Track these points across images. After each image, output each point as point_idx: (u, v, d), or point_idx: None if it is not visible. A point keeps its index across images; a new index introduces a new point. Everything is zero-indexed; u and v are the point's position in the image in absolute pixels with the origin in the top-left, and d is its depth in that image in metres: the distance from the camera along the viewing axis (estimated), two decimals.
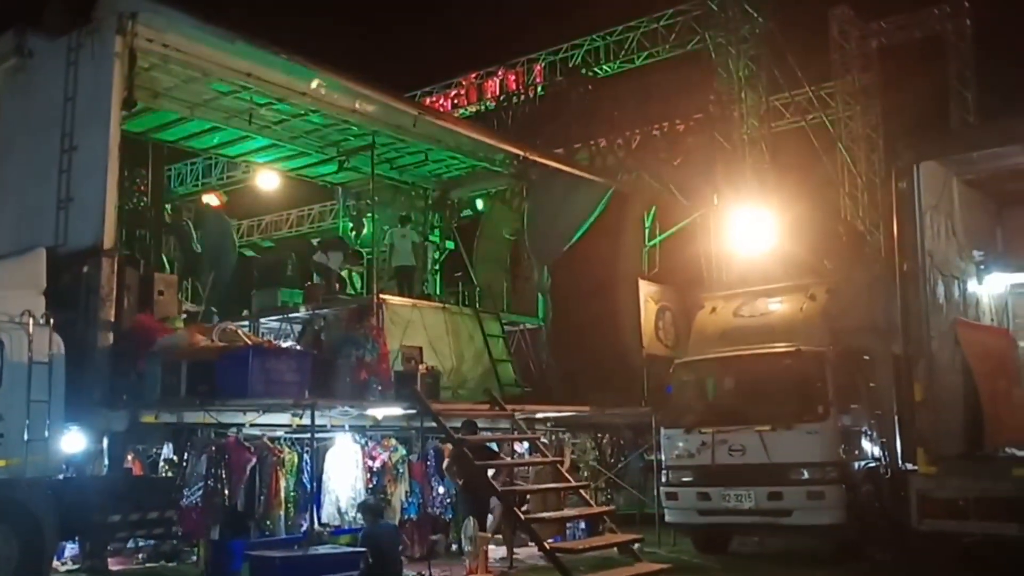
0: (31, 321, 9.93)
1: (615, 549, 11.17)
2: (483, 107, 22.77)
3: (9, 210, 12.54)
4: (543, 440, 13.53)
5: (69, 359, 10.27)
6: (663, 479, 12.62)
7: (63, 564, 11.75)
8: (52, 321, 10.21)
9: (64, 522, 10.11)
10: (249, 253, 20.25)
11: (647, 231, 17.32)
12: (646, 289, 15.72)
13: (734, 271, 17.12)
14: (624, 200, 16.88)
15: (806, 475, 11.35)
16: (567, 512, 12.33)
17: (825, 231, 18.34)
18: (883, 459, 12.24)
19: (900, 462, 11.95)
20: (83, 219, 11.24)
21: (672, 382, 13.09)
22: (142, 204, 16.07)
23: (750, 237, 16.79)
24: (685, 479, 12.23)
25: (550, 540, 10.81)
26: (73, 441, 10.60)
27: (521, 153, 16.21)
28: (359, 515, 11.75)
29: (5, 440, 9.68)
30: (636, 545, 11.18)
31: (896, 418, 12.08)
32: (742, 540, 13.13)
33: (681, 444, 12.36)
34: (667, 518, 12.66)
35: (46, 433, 9.95)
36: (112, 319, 10.91)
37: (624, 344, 15.42)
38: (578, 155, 19.23)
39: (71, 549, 12.04)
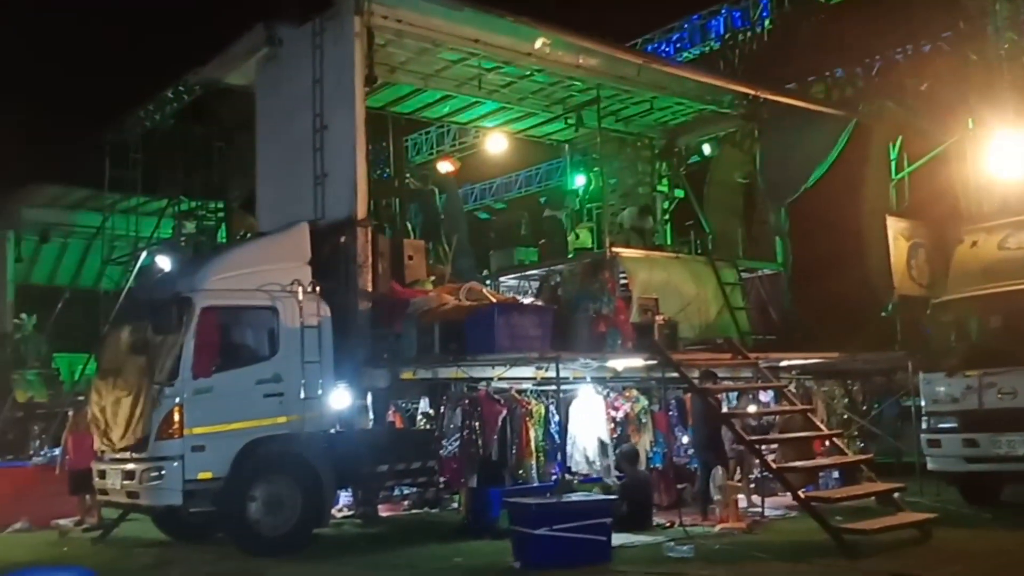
0: (300, 289, 10.86)
1: (873, 499, 10.73)
2: (707, 48, 22.02)
3: (272, 189, 13.71)
4: (790, 389, 13.15)
5: (334, 323, 11.13)
6: (924, 426, 11.96)
7: (339, 511, 12.83)
8: (318, 289, 11.11)
9: (339, 472, 11.00)
10: (483, 216, 20.90)
11: (893, 163, 16.27)
12: (895, 226, 14.83)
13: (995, 200, 15.65)
14: (867, 132, 15.88)
15: None
16: (820, 460, 11.94)
17: None
18: None
19: None
20: (337, 193, 12.07)
21: (930, 324, 12.33)
22: (385, 174, 17.02)
23: (1013, 162, 15.30)
24: (948, 425, 11.54)
25: (803, 490, 10.54)
26: (341, 398, 11.49)
27: (751, 92, 15.63)
28: (607, 464, 12.04)
29: (285, 398, 10.67)
30: (897, 494, 10.68)
31: None
32: (1015, 489, 12.21)
33: (943, 389, 11.68)
34: (929, 466, 12.02)
35: (319, 391, 10.88)
36: (369, 285, 11.69)
37: (873, 286, 14.64)
38: (813, 89, 18.23)
39: (345, 497, 13.14)
